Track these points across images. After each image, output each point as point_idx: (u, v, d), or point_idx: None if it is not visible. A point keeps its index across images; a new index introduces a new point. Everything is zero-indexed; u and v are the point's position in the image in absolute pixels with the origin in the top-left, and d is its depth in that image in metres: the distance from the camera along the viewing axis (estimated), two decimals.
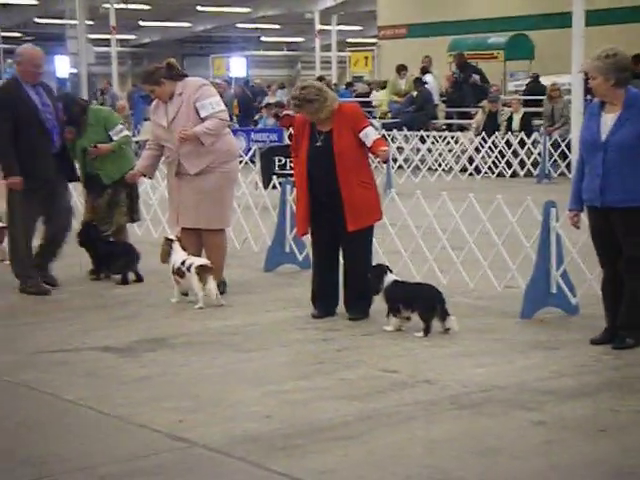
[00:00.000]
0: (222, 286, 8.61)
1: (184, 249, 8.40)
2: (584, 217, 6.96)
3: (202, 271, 8.09)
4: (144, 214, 10.85)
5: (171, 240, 8.47)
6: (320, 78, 24.66)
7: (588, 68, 6.74)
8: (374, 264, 7.66)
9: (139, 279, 9.28)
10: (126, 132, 9.81)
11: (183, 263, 8.23)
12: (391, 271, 7.53)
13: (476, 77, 22.96)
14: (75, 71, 31.15)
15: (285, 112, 19.88)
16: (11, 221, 8.91)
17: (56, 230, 9.08)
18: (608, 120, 6.72)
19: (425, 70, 23.37)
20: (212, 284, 8.09)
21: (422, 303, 7.23)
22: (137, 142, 20.28)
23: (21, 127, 8.58)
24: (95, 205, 9.62)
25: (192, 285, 8.18)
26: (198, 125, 8.35)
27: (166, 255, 8.45)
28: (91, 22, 35.34)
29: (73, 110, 9.45)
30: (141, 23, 50.37)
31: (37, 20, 45.48)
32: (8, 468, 4.78)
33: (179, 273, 8.27)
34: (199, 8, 46.17)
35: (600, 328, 6.96)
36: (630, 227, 6.68)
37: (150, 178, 9.33)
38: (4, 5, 41.50)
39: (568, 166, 18.37)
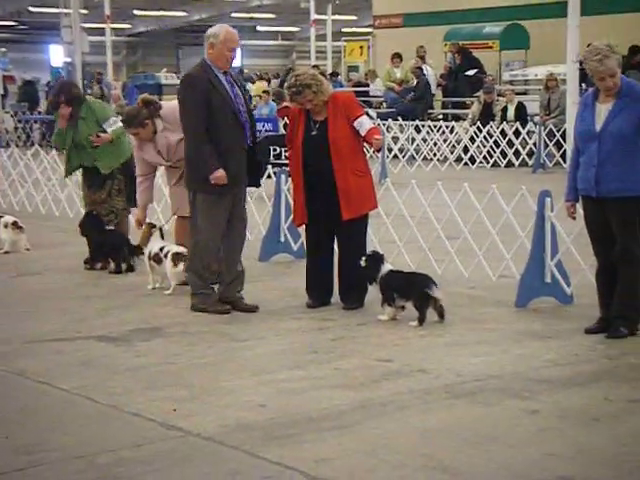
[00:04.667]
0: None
1: (162, 237, 8.58)
2: (579, 207, 6.97)
3: (177, 259, 8.21)
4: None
5: (153, 226, 8.57)
6: (315, 67, 24.60)
7: (611, 65, 6.58)
8: (369, 252, 7.65)
9: (130, 269, 9.30)
10: (120, 123, 9.80)
11: (161, 249, 8.36)
12: (386, 260, 7.54)
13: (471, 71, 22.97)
14: (69, 60, 31.06)
15: (284, 104, 19.82)
16: (198, 228, 7.66)
17: (232, 242, 7.79)
18: (602, 110, 6.71)
19: (422, 59, 23.34)
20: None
21: (417, 292, 7.23)
22: None
23: (214, 119, 7.47)
24: (95, 197, 9.61)
25: (167, 271, 8.31)
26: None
27: (146, 239, 8.57)
28: (85, 11, 35.23)
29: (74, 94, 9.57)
30: (136, 12, 50.23)
31: (31, 9, 45.33)
32: (3, 456, 4.78)
33: (156, 259, 8.40)
34: None
35: (594, 317, 6.98)
36: (625, 217, 6.68)
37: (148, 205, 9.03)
38: None
39: (563, 156, 18.39)
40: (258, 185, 8.23)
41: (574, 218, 7.01)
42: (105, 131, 9.49)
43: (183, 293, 8.28)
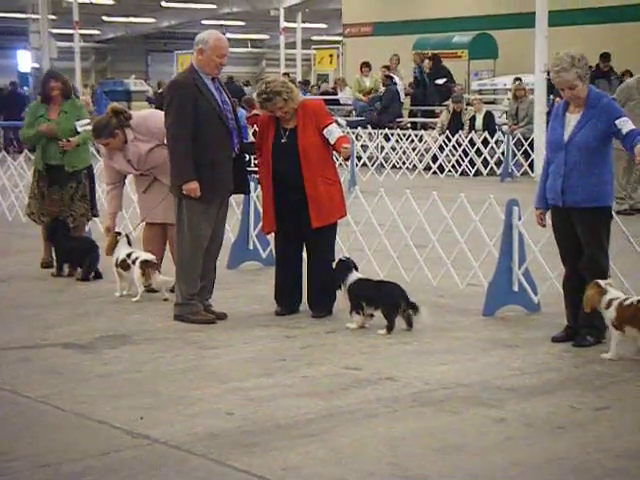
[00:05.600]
0: None
1: (130, 244, 8.56)
2: (549, 216, 7.01)
3: (146, 266, 8.19)
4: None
5: (118, 234, 8.56)
6: (285, 75, 24.65)
7: (568, 79, 6.65)
8: (340, 258, 7.66)
9: (98, 276, 9.26)
10: (89, 127, 9.82)
11: (129, 256, 8.35)
12: (356, 268, 7.54)
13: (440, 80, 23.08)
14: (37, 66, 30.94)
15: (254, 112, 19.81)
16: (183, 236, 7.51)
17: (210, 249, 7.65)
18: (572, 120, 6.76)
19: (389, 68, 23.42)
20: (157, 278, 8.23)
21: (386, 300, 7.24)
22: None
23: (201, 126, 7.34)
24: (56, 197, 9.60)
25: (134, 278, 8.28)
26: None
27: (111, 248, 8.54)
28: (54, 17, 35.07)
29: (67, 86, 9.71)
30: (105, 18, 50.04)
31: None
32: None
33: (123, 266, 8.38)
34: (164, 4, 46.00)
35: (561, 326, 7.02)
36: (590, 227, 6.73)
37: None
38: None
39: (531, 165, 18.52)
40: (247, 192, 8.19)
41: (544, 226, 7.05)
42: (76, 130, 9.56)
43: (151, 300, 8.27)
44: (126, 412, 5.46)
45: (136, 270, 8.25)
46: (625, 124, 6.63)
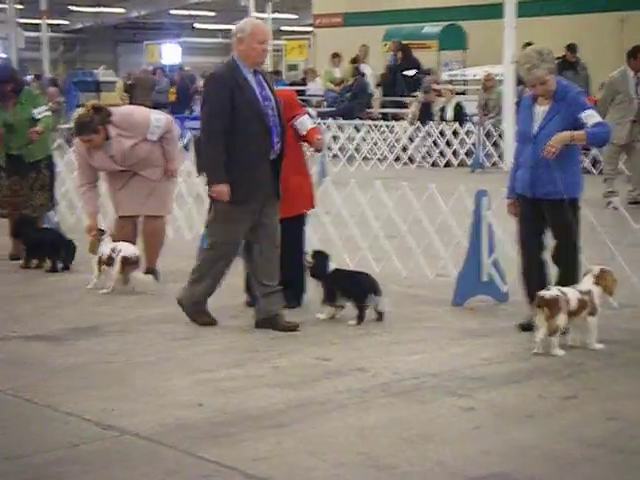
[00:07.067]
0: (155, 275, 8.63)
1: (114, 241, 8.47)
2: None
3: (126, 262, 8.17)
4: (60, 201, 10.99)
5: (102, 231, 8.51)
6: None
7: (540, 75, 6.66)
8: (316, 250, 7.66)
9: (65, 267, 9.21)
10: (48, 113, 9.83)
11: (113, 250, 8.29)
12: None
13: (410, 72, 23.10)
14: (5, 56, 30.67)
15: None
16: (212, 235, 7.14)
17: (261, 257, 7.18)
18: (540, 113, 6.80)
19: (357, 60, 23.42)
20: (136, 276, 8.21)
21: (358, 291, 7.26)
22: (70, 129, 20.08)
23: (237, 123, 6.84)
24: (16, 188, 9.58)
25: (113, 272, 8.25)
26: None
27: (95, 247, 8.45)
28: (21, 6, 34.76)
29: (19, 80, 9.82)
30: (73, 8, 49.62)
31: None
32: None
33: (108, 262, 8.30)
34: None
35: (529, 315, 7.06)
36: (560, 219, 6.77)
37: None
38: None
39: (501, 156, 18.61)
40: (278, 197, 7.18)
41: (516, 215, 7.09)
42: (34, 118, 9.55)
43: (121, 292, 8.24)
44: (96, 403, 5.45)
45: (116, 265, 8.19)
46: (590, 117, 6.66)
